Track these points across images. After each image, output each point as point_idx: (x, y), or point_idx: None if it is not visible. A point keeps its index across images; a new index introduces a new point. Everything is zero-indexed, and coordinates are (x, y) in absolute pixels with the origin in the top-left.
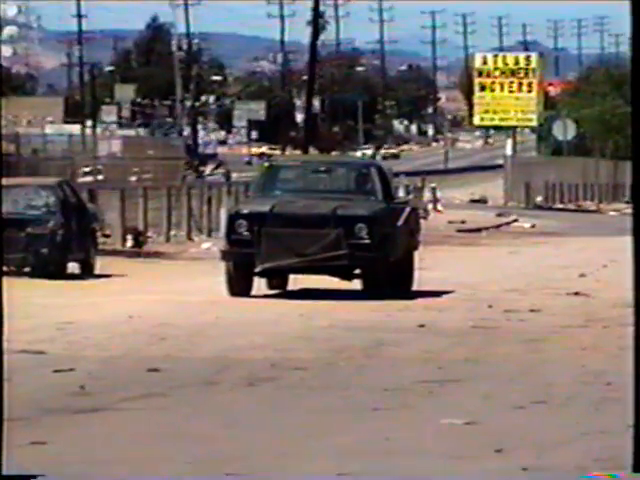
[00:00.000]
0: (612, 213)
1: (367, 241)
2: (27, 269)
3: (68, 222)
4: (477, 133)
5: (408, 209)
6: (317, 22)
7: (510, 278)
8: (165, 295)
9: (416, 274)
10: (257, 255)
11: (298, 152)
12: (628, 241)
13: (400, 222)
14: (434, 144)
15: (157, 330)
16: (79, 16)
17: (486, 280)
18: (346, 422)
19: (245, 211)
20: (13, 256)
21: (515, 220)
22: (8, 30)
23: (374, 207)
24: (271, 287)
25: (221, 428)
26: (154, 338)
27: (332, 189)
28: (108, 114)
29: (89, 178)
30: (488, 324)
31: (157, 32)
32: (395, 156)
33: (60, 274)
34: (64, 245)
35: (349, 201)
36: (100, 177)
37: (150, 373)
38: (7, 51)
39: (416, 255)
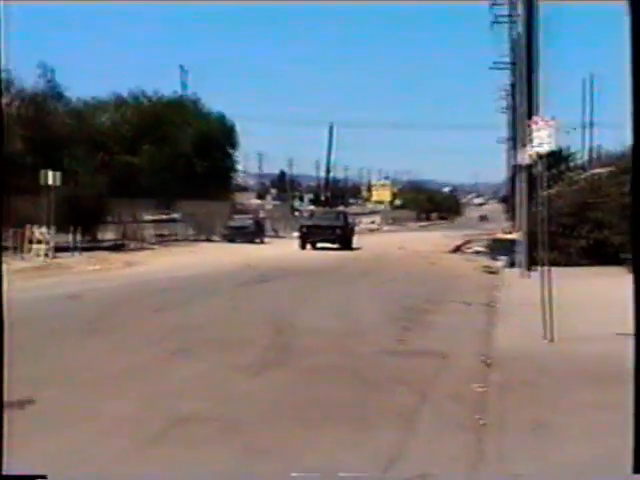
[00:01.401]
0: (416, 225)
1: (340, 233)
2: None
3: (256, 227)
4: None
5: (352, 224)
6: (328, 170)
7: (384, 242)
8: (282, 249)
9: (354, 241)
10: (307, 237)
11: (321, 208)
12: (421, 233)
13: (349, 227)
14: (358, 206)
15: (279, 259)
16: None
17: (375, 243)
18: (337, 284)
19: (304, 224)
20: (244, 237)
21: (382, 227)
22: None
23: (342, 223)
24: (312, 247)
25: (293, 271)
26: (278, 261)
27: (330, 218)
28: (268, 197)
29: (262, 215)
30: (378, 257)
31: (282, 175)
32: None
33: (253, 243)
34: (254, 234)
35: (335, 221)
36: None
37: (280, 271)
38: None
39: (354, 237)
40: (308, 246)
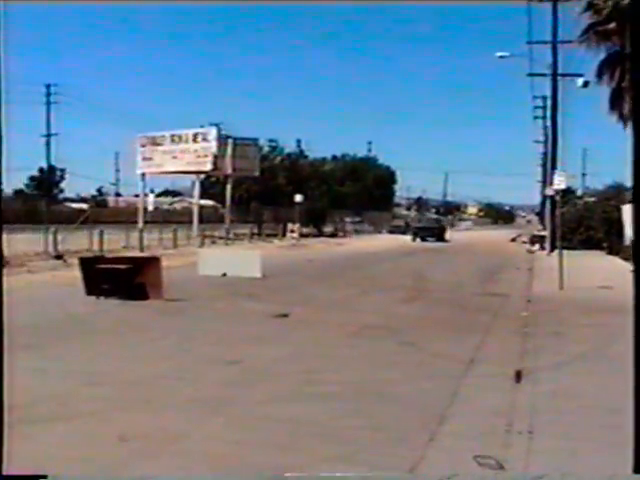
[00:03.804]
0: (491, 227)
1: (436, 231)
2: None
3: (405, 226)
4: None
5: (445, 225)
6: (445, 195)
7: (471, 236)
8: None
9: (447, 236)
10: (416, 234)
11: (426, 215)
12: (493, 231)
13: (442, 227)
14: (461, 214)
15: (417, 243)
16: None
17: (466, 237)
18: (442, 258)
19: (414, 226)
20: (399, 232)
21: (472, 227)
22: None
23: (438, 225)
24: (421, 240)
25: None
26: (416, 245)
27: (431, 222)
28: (412, 209)
29: (408, 220)
30: (465, 244)
31: (419, 198)
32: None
33: (404, 234)
34: (404, 230)
35: (434, 224)
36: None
37: (414, 250)
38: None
39: (447, 234)
40: (417, 239)
